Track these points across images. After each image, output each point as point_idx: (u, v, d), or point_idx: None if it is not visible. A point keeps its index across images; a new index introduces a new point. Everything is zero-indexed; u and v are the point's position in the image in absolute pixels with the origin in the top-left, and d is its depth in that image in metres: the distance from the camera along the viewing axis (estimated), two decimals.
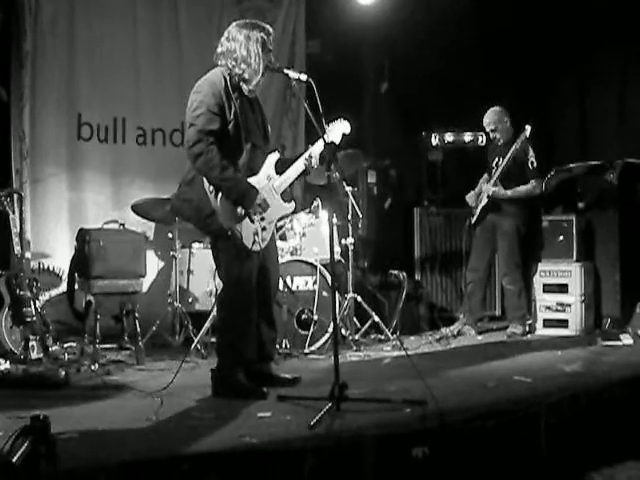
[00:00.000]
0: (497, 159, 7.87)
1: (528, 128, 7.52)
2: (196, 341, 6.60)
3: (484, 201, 7.80)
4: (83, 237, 6.46)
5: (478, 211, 7.88)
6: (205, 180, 5.01)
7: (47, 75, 7.78)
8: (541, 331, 7.87)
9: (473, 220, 7.97)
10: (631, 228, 7.88)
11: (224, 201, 5.01)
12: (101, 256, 6.39)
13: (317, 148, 5.38)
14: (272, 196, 5.26)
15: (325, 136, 5.04)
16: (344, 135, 5.58)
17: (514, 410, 4.68)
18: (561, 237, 7.90)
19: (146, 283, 7.24)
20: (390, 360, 6.59)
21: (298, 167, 5.40)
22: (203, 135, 4.97)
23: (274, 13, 8.90)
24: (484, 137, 8.70)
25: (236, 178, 5.04)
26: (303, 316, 6.89)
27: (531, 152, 7.66)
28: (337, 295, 6.59)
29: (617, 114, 9.02)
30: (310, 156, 5.37)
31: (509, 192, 7.70)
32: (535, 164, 7.65)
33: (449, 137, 8.97)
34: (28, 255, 7.43)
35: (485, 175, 8.08)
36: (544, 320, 7.90)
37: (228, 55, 5.19)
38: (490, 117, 7.92)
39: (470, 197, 8.02)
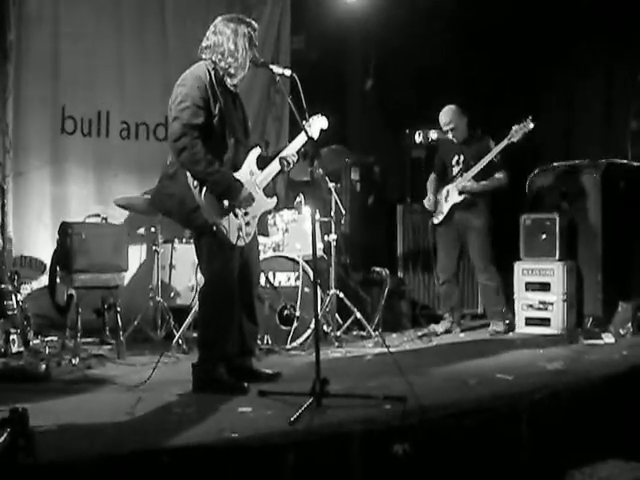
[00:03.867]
0: (457, 157, 7.81)
1: (531, 123, 7.44)
2: (177, 336, 6.59)
3: (456, 199, 7.70)
4: (65, 230, 6.44)
5: (447, 209, 7.80)
6: (189, 174, 4.97)
7: (31, 66, 7.73)
8: (523, 329, 7.84)
9: (439, 220, 7.90)
10: (614, 227, 7.88)
11: (209, 196, 4.98)
12: (83, 250, 6.37)
13: (296, 144, 5.39)
14: (255, 191, 5.24)
15: (307, 130, 5.04)
16: (322, 131, 5.59)
17: (495, 407, 4.69)
18: (544, 235, 7.88)
19: (127, 277, 7.22)
20: (372, 357, 6.59)
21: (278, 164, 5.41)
22: (188, 129, 4.93)
23: (259, 8, 8.88)
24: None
25: (222, 172, 5.01)
26: (285, 312, 6.88)
27: (493, 145, 7.65)
28: (319, 291, 6.58)
29: (602, 114, 9.04)
30: (287, 155, 5.37)
31: (481, 185, 7.63)
32: (499, 156, 7.59)
33: (433, 134, 8.94)
34: (10, 248, 7.39)
35: (432, 175, 8.05)
36: (526, 318, 7.87)
37: (214, 49, 5.15)
38: (450, 116, 7.77)
39: (429, 202, 7.92)
